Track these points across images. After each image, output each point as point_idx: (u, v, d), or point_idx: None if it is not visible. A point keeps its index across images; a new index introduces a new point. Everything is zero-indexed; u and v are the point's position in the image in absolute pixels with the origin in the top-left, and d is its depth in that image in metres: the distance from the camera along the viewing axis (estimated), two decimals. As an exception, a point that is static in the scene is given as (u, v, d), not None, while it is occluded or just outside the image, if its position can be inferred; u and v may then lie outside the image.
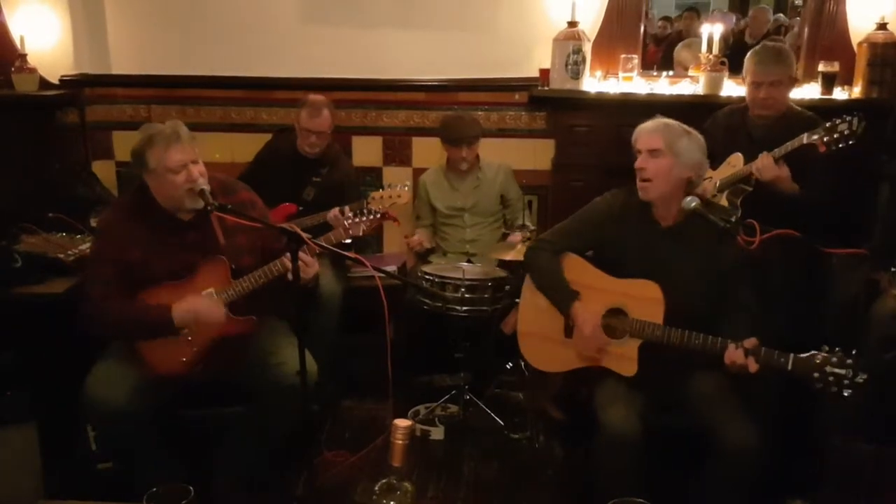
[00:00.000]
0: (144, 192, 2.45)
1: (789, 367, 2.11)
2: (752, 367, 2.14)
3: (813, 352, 2.09)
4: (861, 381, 2.01)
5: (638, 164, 2.40)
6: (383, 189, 3.43)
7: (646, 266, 2.38)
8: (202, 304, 2.40)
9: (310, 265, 2.42)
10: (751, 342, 2.16)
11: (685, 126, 2.42)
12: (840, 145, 2.63)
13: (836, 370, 2.04)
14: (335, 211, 3.06)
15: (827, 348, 2.08)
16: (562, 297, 2.49)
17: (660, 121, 2.42)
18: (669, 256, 2.38)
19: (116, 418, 2.32)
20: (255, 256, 2.51)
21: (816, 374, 2.06)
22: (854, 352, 2.05)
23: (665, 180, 2.36)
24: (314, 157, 3.50)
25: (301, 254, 2.26)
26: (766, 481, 2.25)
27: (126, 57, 3.99)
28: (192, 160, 2.37)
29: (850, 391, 2.03)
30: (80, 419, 2.63)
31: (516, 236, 3.35)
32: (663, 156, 2.35)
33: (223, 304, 2.43)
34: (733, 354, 2.16)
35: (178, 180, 2.35)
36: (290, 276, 2.17)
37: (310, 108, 3.40)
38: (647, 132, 2.40)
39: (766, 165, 2.74)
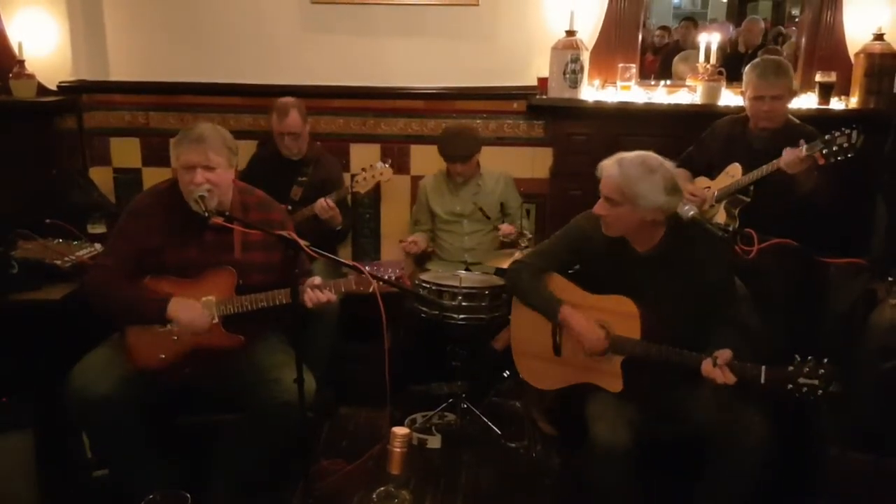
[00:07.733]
0: (177, 183, 2.49)
1: (762, 380, 2.11)
2: (730, 378, 2.13)
3: (786, 363, 2.08)
4: (834, 390, 2.01)
5: (596, 209, 2.35)
6: (365, 170, 3.54)
7: (623, 290, 2.36)
8: (194, 311, 2.39)
9: (327, 298, 2.40)
10: (724, 356, 2.14)
11: (650, 163, 2.26)
12: (838, 158, 2.64)
13: (808, 381, 2.03)
14: (321, 202, 3.35)
15: (799, 358, 2.07)
16: (548, 305, 2.47)
17: (617, 167, 2.28)
18: (646, 281, 2.34)
19: (96, 406, 2.31)
20: (267, 275, 2.48)
21: (790, 386, 2.06)
22: (825, 360, 2.04)
23: (626, 224, 2.32)
24: (297, 158, 3.57)
25: (321, 292, 2.37)
26: (764, 491, 2.25)
27: (124, 63, 3.99)
28: (203, 164, 2.37)
29: (824, 401, 2.03)
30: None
31: (508, 227, 3.38)
32: (619, 205, 2.28)
33: (218, 315, 2.42)
34: (708, 369, 2.16)
35: (185, 179, 2.40)
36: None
37: (278, 112, 3.48)
38: (605, 178, 2.31)
39: (794, 159, 2.70)
